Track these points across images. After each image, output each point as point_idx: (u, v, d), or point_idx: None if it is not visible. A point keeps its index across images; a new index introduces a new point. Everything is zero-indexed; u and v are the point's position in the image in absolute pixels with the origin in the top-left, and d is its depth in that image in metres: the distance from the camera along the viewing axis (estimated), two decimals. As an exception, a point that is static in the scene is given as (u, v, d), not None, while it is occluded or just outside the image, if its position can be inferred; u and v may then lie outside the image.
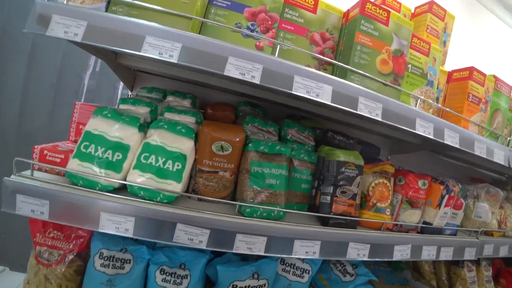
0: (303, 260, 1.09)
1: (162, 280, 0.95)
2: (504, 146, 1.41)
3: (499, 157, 1.36)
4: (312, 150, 1.13)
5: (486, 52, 3.51)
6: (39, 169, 0.90)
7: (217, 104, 1.29)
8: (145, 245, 0.99)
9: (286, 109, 1.46)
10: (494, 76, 1.43)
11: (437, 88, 1.33)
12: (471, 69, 1.30)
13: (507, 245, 1.55)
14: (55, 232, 0.98)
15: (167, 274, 0.96)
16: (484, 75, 1.34)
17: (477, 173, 2.45)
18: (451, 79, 1.38)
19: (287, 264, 1.09)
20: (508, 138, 1.52)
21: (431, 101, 1.15)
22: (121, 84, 2.40)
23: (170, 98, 1.27)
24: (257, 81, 0.80)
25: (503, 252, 1.53)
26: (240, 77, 0.80)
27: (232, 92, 1.48)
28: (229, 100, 1.49)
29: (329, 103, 0.85)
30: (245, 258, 1.08)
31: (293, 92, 0.82)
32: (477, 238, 1.40)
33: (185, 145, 0.87)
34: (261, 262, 1.01)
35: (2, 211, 0.80)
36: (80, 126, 1.13)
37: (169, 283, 0.95)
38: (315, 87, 0.85)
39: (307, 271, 1.09)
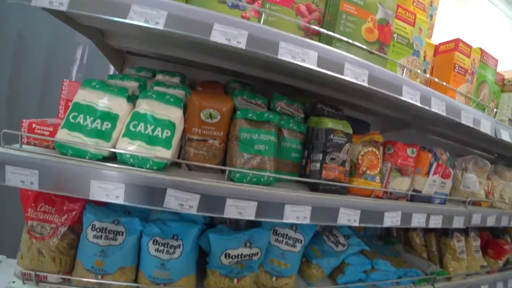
0: (295, 230, 1.11)
1: (155, 250, 0.96)
2: (491, 117, 1.44)
3: (486, 127, 1.38)
4: (302, 122, 1.14)
5: (473, 30, 3.54)
6: (28, 143, 0.90)
7: (207, 81, 1.29)
8: (137, 218, 1.00)
9: (275, 87, 1.46)
10: (480, 49, 1.45)
11: (424, 61, 1.35)
12: (457, 41, 1.32)
13: (494, 215, 1.59)
14: (47, 206, 0.97)
15: (160, 244, 0.97)
16: (470, 47, 1.36)
17: (466, 151, 2.49)
18: (438, 52, 1.40)
19: (279, 235, 1.11)
20: (495, 110, 1.55)
21: (417, 70, 1.17)
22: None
23: (159, 77, 1.26)
24: (242, 46, 0.81)
25: (490, 222, 1.57)
26: (225, 42, 0.80)
27: (221, 72, 1.48)
28: (218, 79, 1.49)
29: (315, 68, 0.86)
30: (237, 230, 1.10)
31: (278, 57, 0.83)
32: (465, 208, 1.44)
33: (174, 114, 0.88)
34: (253, 231, 1.02)
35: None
36: (69, 103, 1.12)
37: (162, 252, 0.96)
38: (300, 53, 0.86)
39: (299, 241, 1.11)
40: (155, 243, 0.97)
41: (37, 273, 0.91)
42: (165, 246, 0.97)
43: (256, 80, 1.42)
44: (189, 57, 1.27)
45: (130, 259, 0.98)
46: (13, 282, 0.91)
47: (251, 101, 1.09)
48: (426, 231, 1.74)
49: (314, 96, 1.53)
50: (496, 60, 1.56)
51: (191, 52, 1.27)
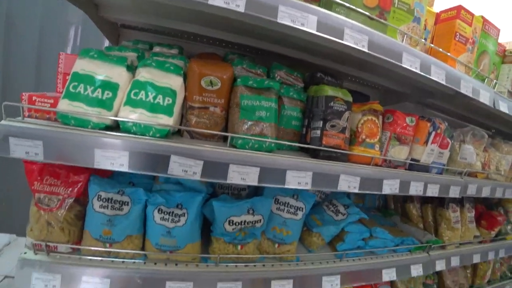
0: (296, 198, 1.14)
1: (160, 219, 0.99)
2: (490, 88, 1.44)
3: (485, 97, 1.39)
4: (301, 90, 1.15)
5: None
6: (29, 117, 0.89)
7: (204, 53, 1.28)
8: (141, 188, 1.02)
9: (274, 58, 1.45)
10: (482, 17, 1.43)
11: (425, 29, 1.33)
12: (458, 8, 1.29)
13: (489, 186, 1.63)
14: (52, 179, 0.99)
15: (165, 213, 0.99)
16: (472, 14, 1.34)
17: (464, 126, 2.51)
18: (439, 20, 1.38)
19: (281, 203, 1.13)
20: (495, 81, 1.55)
21: (417, 37, 1.16)
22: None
23: (157, 49, 1.24)
24: (241, 9, 0.79)
25: (485, 193, 1.61)
26: (224, 6, 0.79)
27: (219, 44, 1.46)
28: (216, 52, 1.47)
29: (314, 32, 0.85)
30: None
31: (277, 21, 0.81)
32: (462, 178, 1.47)
33: (175, 82, 0.88)
34: (255, 199, 1.05)
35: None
36: (67, 77, 1.11)
37: (167, 221, 0.99)
38: (300, 17, 0.84)
39: (300, 209, 1.13)
40: (160, 212, 0.99)
41: (47, 243, 0.92)
42: (170, 214, 1.00)
43: (254, 53, 1.40)
44: (186, 28, 1.25)
45: (137, 227, 1.00)
46: (25, 253, 0.92)
47: (251, 70, 1.09)
48: (423, 203, 1.78)
49: (314, 68, 1.52)
50: (498, 30, 1.53)
51: (188, 23, 1.25)
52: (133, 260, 0.98)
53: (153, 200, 0.99)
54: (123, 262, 0.96)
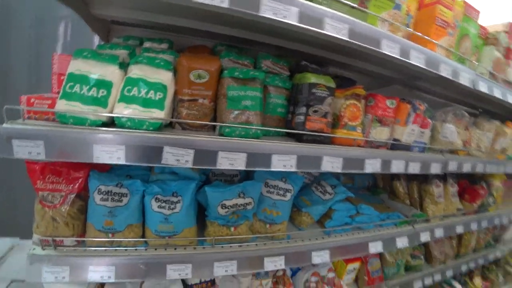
0: (285, 181, 1.22)
1: (158, 207, 1.06)
2: (470, 70, 1.49)
3: (465, 79, 1.45)
4: (287, 79, 1.20)
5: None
6: (28, 118, 0.94)
7: (194, 46, 1.32)
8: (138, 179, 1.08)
9: (262, 48, 1.49)
10: (464, 1, 1.46)
11: (408, 15, 1.37)
12: (440, -7, 1.33)
13: (470, 163, 1.72)
14: (54, 177, 1.04)
15: (162, 201, 1.06)
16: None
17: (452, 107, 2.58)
18: (422, 5, 1.41)
19: (270, 186, 1.22)
20: (476, 63, 1.60)
21: (398, 24, 1.20)
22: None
23: (147, 44, 1.28)
24: (226, 5, 0.83)
25: (466, 168, 1.70)
26: (208, 1, 0.83)
27: (208, 36, 1.49)
28: (205, 44, 1.50)
29: (296, 23, 0.90)
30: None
31: (260, 14, 0.86)
32: (443, 155, 1.55)
33: (165, 76, 0.94)
34: (246, 183, 1.13)
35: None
36: (62, 77, 1.15)
37: (164, 208, 1.06)
38: (282, 9, 0.89)
39: (289, 190, 1.22)
40: (157, 200, 1.06)
41: (54, 238, 0.99)
42: (166, 202, 1.07)
43: (243, 43, 1.44)
44: (176, 22, 1.28)
45: (136, 217, 1.08)
46: (33, 249, 0.98)
47: (238, 61, 1.14)
48: (409, 180, 1.88)
49: (302, 56, 1.56)
50: (478, 12, 1.57)
51: (177, 18, 1.28)
52: (135, 248, 1.06)
53: (150, 190, 1.06)
54: (126, 250, 1.04)
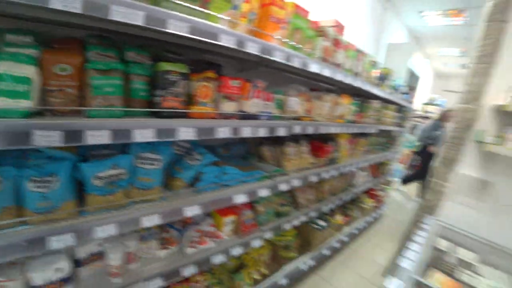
0: (153, 152, 1.45)
1: (34, 187, 1.14)
2: (302, 54, 1.97)
3: (297, 63, 1.92)
4: (148, 67, 1.40)
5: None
6: None
7: (62, 38, 1.36)
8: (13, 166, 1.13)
9: (130, 38, 1.62)
10: (294, 3, 1.91)
11: (251, 12, 1.72)
12: (273, -4, 1.71)
13: (312, 126, 2.29)
14: None
15: (38, 182, 1.15)
16: (284, 1, 1.78)
17: (316, 85, 3.24)
18: (263, 4, 1.78)
19: (142, 158, 1.43)
20: (310, 50, 2.11)
21: (235, 21, 1.53)
22: None
23: (10, 37, 1.25)
24: (79, 11, 0.96)
25: (309, 131, 2.26)
26: (62, 8, 0.94)
27: (79, 27, 1.53)
28: (78, 35, 1.53)
29: (144, 25, 1.11)
30: (107, 160, 1.36)
31: (111, 19, 1.03)
32: (288, 122, 2.04)
33: (29, 70, 1.03)
34: (117, 157, 1.32)
35: None
36: None
37: (42, 188, 1.15)
38: (131, 13, 1.07)
39: (158, 160, 1.46)
40: (32, 181, 1.14)
41: None
42: (44, 182, 1.16)
43: (113, 34, 1.54)
44: (43, 15, 1.32)
45: (12, 198, 1.13)
46: None
47: (103, 53, 1.28)
48: (273, 145, 2.36)
49: (167, 45, 1.77)
50: (308, 12, 2.06)
51: (44, 11, 1.30)
52: (14, 229, 1.11)
53: (23, 173, 1.13)
54: (5, 233, 1.08)
